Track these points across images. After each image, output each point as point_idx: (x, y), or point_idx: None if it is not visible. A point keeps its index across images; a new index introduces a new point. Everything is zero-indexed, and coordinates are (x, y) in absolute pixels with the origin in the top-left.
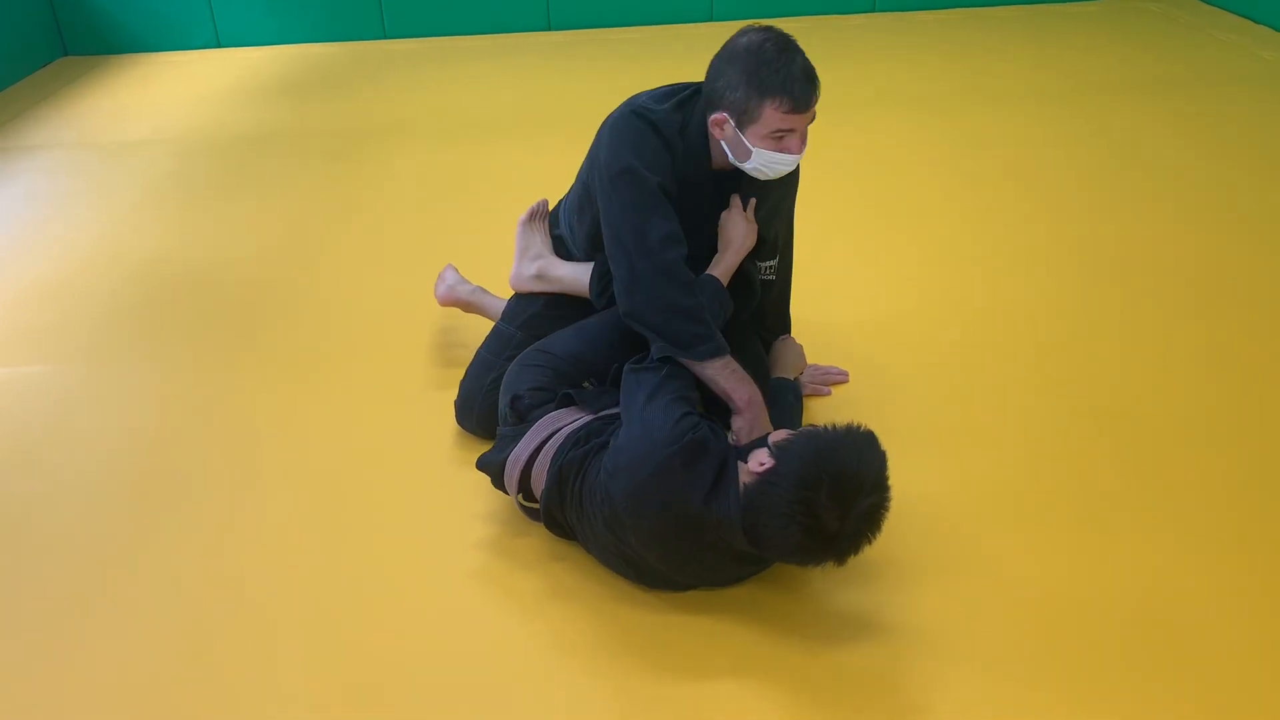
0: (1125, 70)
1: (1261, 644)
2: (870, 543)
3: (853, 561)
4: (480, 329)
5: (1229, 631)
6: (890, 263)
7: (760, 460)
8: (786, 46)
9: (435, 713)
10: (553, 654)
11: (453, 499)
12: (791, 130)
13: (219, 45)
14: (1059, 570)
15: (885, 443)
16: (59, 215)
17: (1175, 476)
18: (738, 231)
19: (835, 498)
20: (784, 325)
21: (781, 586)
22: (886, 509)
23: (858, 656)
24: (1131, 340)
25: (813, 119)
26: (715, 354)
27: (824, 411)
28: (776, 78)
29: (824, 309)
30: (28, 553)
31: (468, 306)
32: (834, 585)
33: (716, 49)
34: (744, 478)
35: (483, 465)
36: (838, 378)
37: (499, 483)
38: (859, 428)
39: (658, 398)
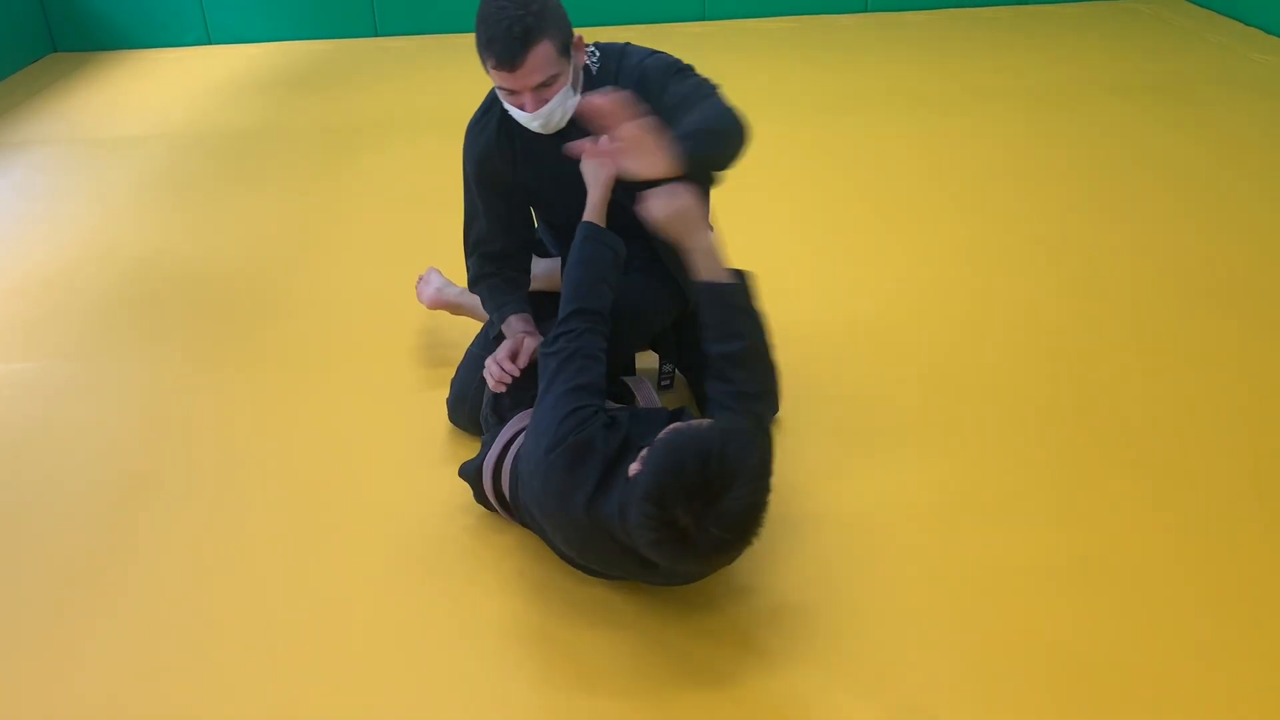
0: (1116, 72)
1: (1260, 644)
2: (740, 542)
3: (837, 559)
4: (471, 327)
5: (1228, 631)
6: (883, 261)
7: (637, 465)
8: (503, 5)
9: (428, 709)
10: (544, 654)
11: (442, 496)
12: (513, 91)
13: (210, 42)
14: (1054, 570)
15: (881, 441)
16: (49, 211)
17: (1171, 476)
18: (588, 171)
19: (684, 506)
20: (693, 146)
21: (771, 576)
22: (747, 514)
23: (848, 655)
24: (1123, 339)
25: (546, 79)
26: (503, 319)
27: (819, 405)
28: (484, 35)
29: (817, 307)
30: (19, 549)
31: (456, 309)
32: (822, 583)
33: (709, 48)
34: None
35: (464, 473)
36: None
37: (479, 493)
38: (724, 424)
39: (551, 389)
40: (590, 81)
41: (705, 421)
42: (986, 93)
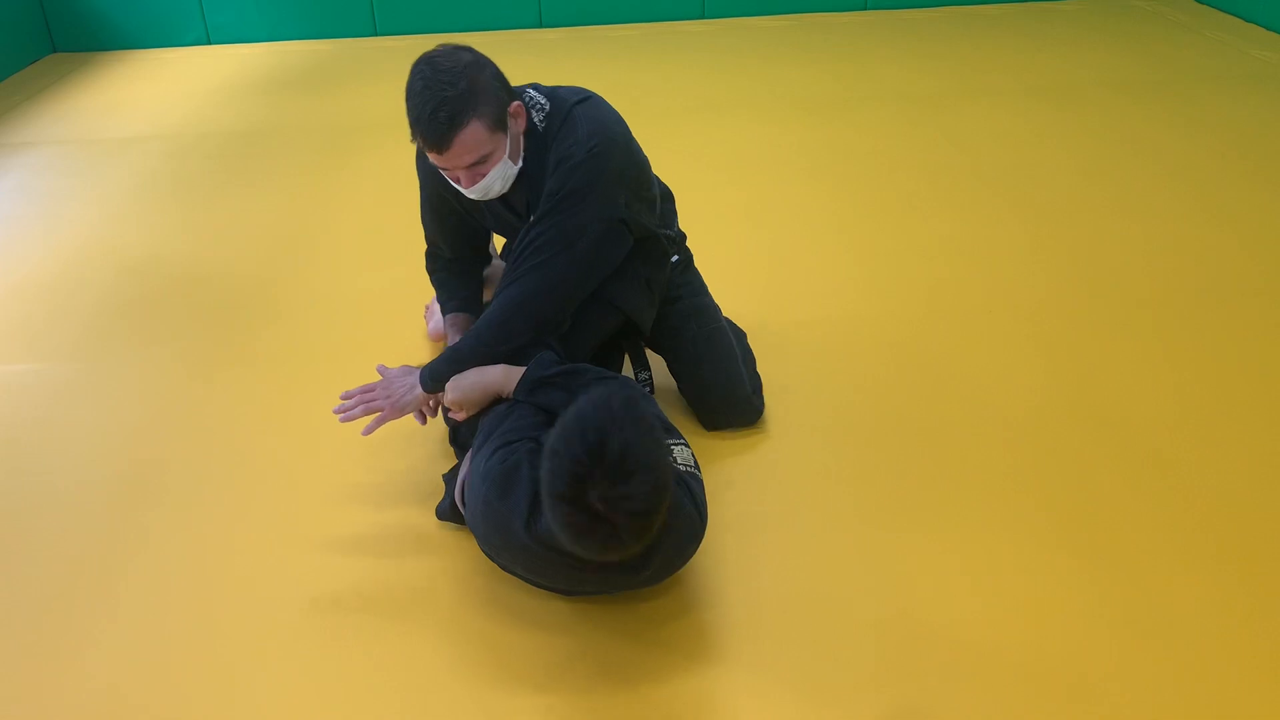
0: (1115, 68)
1: (1260, 643)
2: (657, 491)
3: (835, 559)
4: None
5: (1228, 631)
6: (882, 259)
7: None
8: (429, 83)
9: (428, 708)
10: (537, 660)
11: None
12: (444, 168)
13: (209, 42)
14: (1053, 570)
15: (874, 439)
16: (48, 212)
17: (1171, 475)
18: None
19: (579, 475)
20: (432, 374)
21: (764, 575)
22: (645, 453)
23: (845, 656)
24: (1124, 336)
25: (478, 159)
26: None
27: (816, 403)
28: (411, 113)
29: (814, 306)
30: (18, 549)
31: None
32: (818, 583)
33: (708, 46)
34: None
35: (440, 515)
36: None
37: (457, 517)
38: (593, 392)
39: (486, 444)
40: (535, 140)
41: (583, 400)
42: (985, 90)
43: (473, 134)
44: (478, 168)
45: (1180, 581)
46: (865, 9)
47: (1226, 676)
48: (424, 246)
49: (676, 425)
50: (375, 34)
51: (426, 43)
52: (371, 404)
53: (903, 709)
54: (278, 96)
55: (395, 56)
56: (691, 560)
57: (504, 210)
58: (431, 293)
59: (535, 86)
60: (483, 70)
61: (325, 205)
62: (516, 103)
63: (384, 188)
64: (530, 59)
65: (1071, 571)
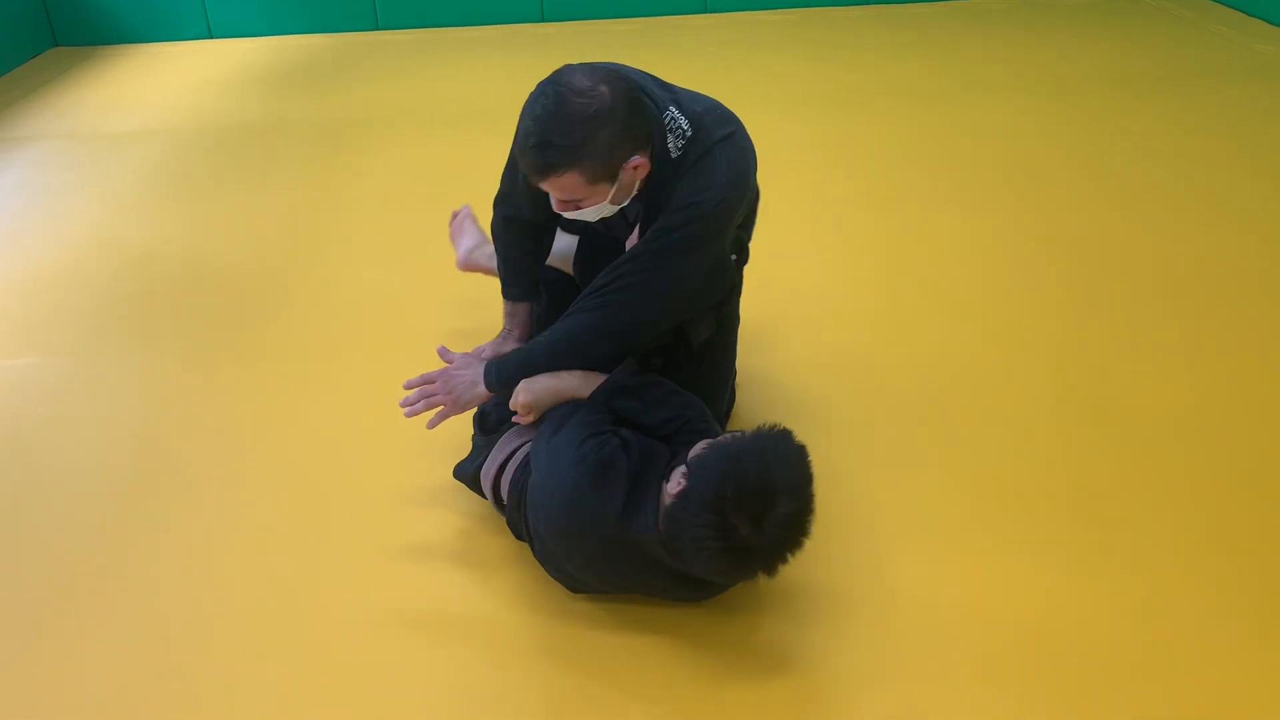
0: (1119, 63)
1: (1261, 641)
2: (795, 550)
3: (833, 558)
4: (477, 323)
5: (1229, 629)
6: (883, 255)
7: (678, 481)
8: (547, 117)
9: (427, 706)
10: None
11: (444, 493)
12: (545, 191)
13: (211, 36)
14: (1054, 568)
15: (878, 437)
16: (50, 207)
17: (1173, 473)
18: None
19: (745, 512)
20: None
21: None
22: (805, 514)
23: (844, 656)
24: (1127, 333)
25: (570, 200)
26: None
27: (816, 400)
28: (519, 132)
29: (816, 302)
30: (18, 544)
31: (490, 272)
32: (818, 582)
33: (710, 41)
34: (665, 499)
35: (458, 474)
36: None
37: (475, 487)
38: (771, 430)
39: (564, 429)
40: (666, 167)
41: (745, 432)
42: (987, 85)
43: (568, 181)
44: (569, 204)
45: (1183, 580)
46: (868, 3)
47: (1232, 674)
48: (425, 243)
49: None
50: (377, 28)
51: (428, 37)
52: (432, 399)
53: (903, 708)
54: (280, 91)
55: (397, 51)
56: None
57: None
58: (457, 204)
59: (680, 101)
60: (608, 125)
61: (328, 200)
62: (639, 159)
63: (386, 182)
64: (533, 53)
65: (1072, 570)
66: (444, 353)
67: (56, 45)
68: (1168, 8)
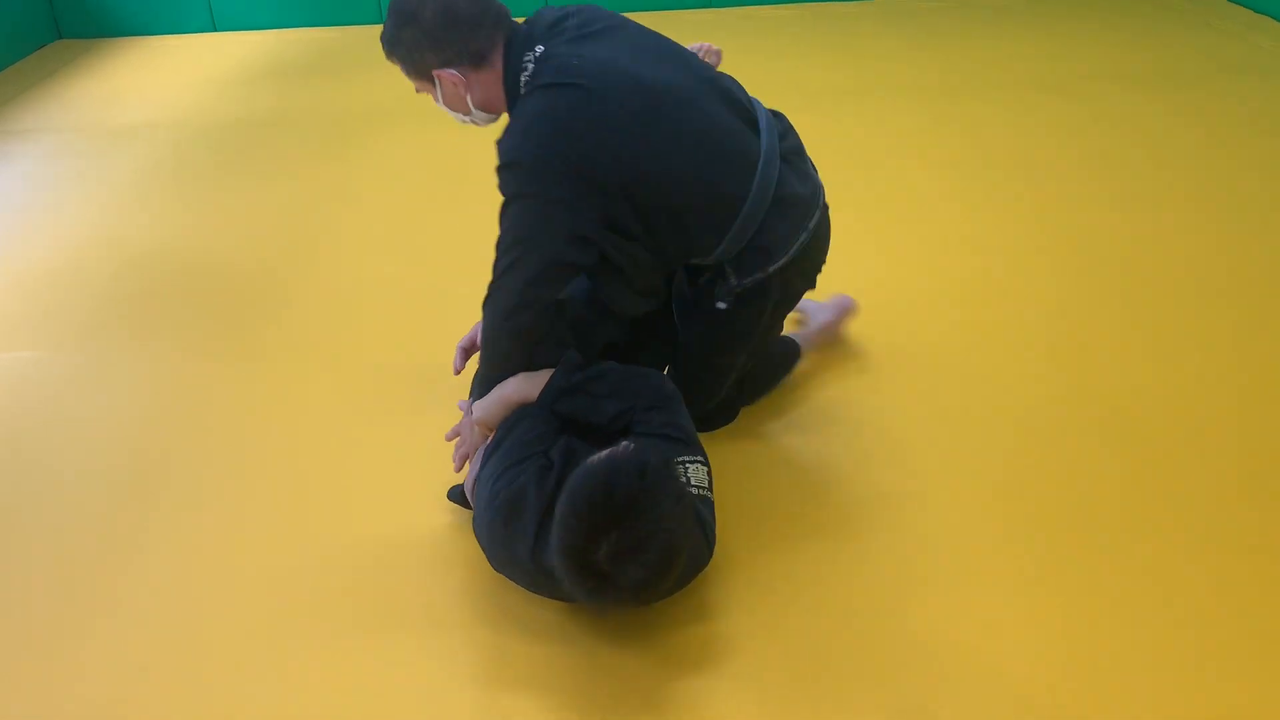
0: (1123, 60)
1: (1264, 639)
2: (648, 578)
3: (833, 556)
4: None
5: (1233, 629)
6: (885, 249)
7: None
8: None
9: (427, 704)
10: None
11: (446, 493)
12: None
13: (215, 29)
14: (1057, 567)
15: (878, 435)
16: (53, 200)
17: (1176, 471)
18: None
19: (593, 542)
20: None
21: (766, 574)
22: (645, 541)
23: (846, 654)
24: (1129, 329)
25: (417, 89)
26: None
27: (817, 396)
28: None
29: (818, 297)
30: (19, 540)
31: None
32: (817, 582)
33: (713, 36)
34: None
35: (451, 496)
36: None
37: (464, 503)
38: (621, 451)
39: (492, 458)
40: (511, 101)
41: (601, 455)
42: (991, 81)
43: (401, 70)
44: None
45: (1188, 579)
46: None
47: (1232, 673)
48: (429, 237)
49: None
50: (381, 21)
51: None
52: (459, 450)
53: (903, 708)
54: (283, 84)
55: None
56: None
57: None
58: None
59: (567, 48)
60: (410, 27)
61: (331, 194)
62: (452, 73)
63: (390, 176)
64: None
65: (1073, 570)
66: (462, 405)
67: (60, 38)
68: (1176, 4)
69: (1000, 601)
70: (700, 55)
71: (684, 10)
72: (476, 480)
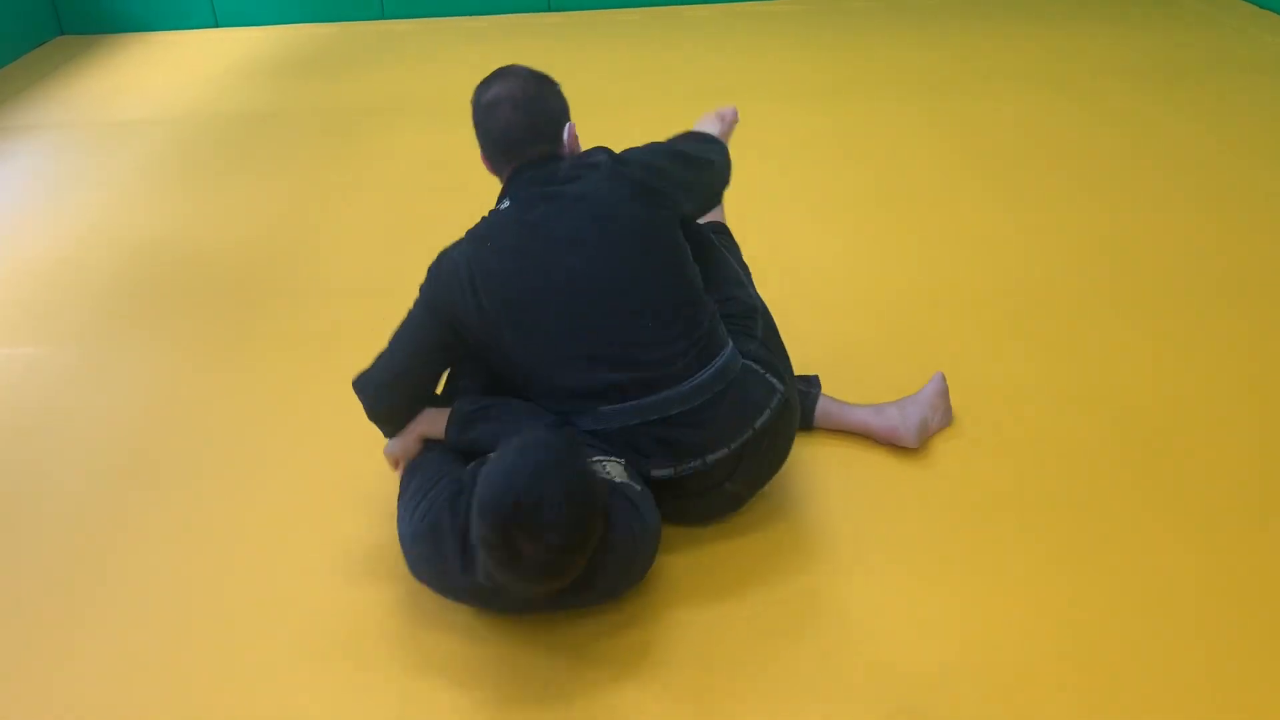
0: (1126, 55)
1: (1264, 638)
2: (578, 544)
3: (834, 556)
4: None
5: (1233, 628)
6: (887, 245)
7: None
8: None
9: (427, 703)
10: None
11: None
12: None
13: (217, 25)
14: (1057, 565)
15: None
16: (55, 195)
17: (1178, 469)
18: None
19: (511, 529)
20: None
21: (764, 572)
22: (566, 510)
23: (846, 654)
24: (1131, 326)
25: None
26: None
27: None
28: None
29: (822, 293)
30: (19, 534)
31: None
32: (818, 581)
33: (715, 31)
34: None
35: None
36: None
37: None
38: (513, 443)
39: (406, 491)
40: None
41: (498, 451)
42: (994, 76)
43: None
44: None
45: (1190, 580)
46: None
47: (1232, 671)
48: (431, 232)
49: None
50: (383, 17)
51: (435, 26)
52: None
53: (903, 709)
54: (285, 80)
55: (403, 40)
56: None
57: None
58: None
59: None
60: (476, 126)
61: (333, 190)
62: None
63: (391, 172)
64: (538, 43)
65: (1074, 570)
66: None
67: (62, 34)
68: (1180, 0)
69: (1000, 601)
70: (711, 118)
71: (684, 5)
72: (398, 521)
